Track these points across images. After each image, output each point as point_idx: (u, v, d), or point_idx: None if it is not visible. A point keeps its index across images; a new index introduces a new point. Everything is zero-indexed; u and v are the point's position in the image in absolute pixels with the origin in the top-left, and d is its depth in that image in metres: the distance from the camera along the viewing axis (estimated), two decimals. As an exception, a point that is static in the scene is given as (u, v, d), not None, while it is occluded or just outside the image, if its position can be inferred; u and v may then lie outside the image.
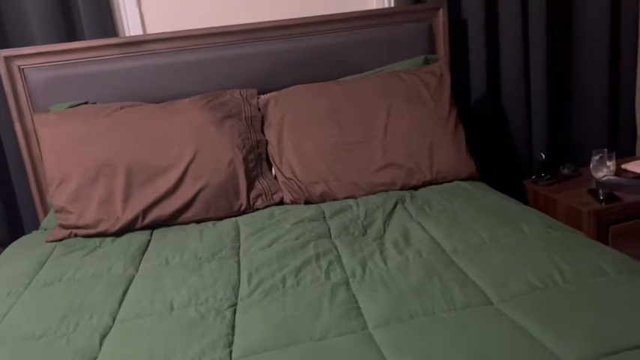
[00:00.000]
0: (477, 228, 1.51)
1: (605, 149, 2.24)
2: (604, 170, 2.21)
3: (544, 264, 1.28)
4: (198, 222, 1.82)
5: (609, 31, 2.38)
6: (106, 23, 2.12)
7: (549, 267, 1.27)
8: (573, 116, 2.51)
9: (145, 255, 1.61)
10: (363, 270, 1.37)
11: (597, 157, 2.23)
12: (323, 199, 1.88)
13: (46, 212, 2.12)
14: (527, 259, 1.32)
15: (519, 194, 2.24)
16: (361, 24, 2.21)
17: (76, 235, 1.78)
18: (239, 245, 1.61)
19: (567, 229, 1.51)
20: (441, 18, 2.25)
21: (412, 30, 2.23)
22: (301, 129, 1.95)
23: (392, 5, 2.31)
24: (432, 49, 2.26)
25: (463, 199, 1.74)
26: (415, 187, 1.89)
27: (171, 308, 1.28)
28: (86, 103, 2.04)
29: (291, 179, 1.90)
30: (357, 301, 1.23)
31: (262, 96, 2.09)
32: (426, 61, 2.18)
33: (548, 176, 2.28)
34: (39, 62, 2.04)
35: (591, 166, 2.25)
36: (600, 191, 2.05)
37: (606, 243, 1.97)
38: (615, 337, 1.00)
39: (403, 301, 1.20)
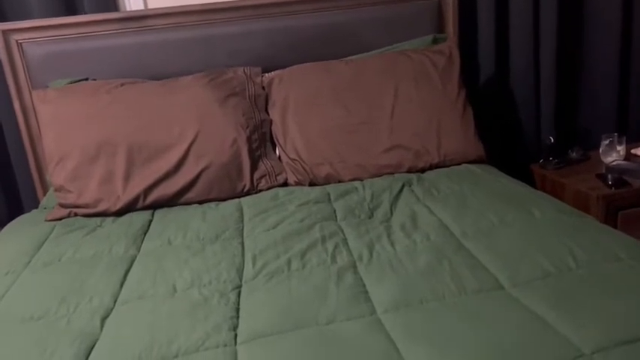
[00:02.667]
0: (486, 211, 1.48)
1: (615, 133, 2.21)
2: (613, 155, 2.17)
3: (556, 249, 1.25)
4: (200, 203, 1.78)
5: (621, 12, 2.32)
6: (107, -3, 2.07)
7: (562, 252, 1.24)
8: (583, 100, 2.46)
9: (147, 235, 1.57)
10: (371, 253, 1.34)
11: (607, 142, 2.19)
12: (328, 180, 1.84)
13: (45, 191, 2.08)
14: (539, 244, 1.28)
15: (527, 178, 2.20)
16: (368, 1, 2.15)
17: (75, 215, 1.75)
18: (243, 227, 1.57)
19: (579, 213, 1.48)
20: (450, -4, 2.19)
21: (420, 8, 2.17)
22: (306, 109, 1.91)
23: (400, -18, 2.25)
24: (440, 28, 2.20)
25: (471, 182, 1.71)
26: (422, 170, 1.85)
27: (174, 290, 1.25)
28: (86, 79, 1.99)
29: (296, 160, 1.86)
30: (364, 285, 1.21)
31: (267, 74, 2.04)
32: (435, 41, 2.12)
33: (556, 160, 2.24)
34: (38, 37, 1.98)
35: (600, 150, 2.21)
36: (609, 176, 2.02)
37: (615, 228, 1.94)
38: (633, 324, 0.97)
39: (412, 286, 1.17)
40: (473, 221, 1.44)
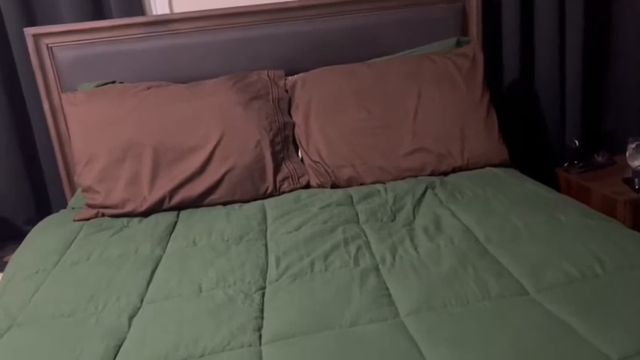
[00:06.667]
0: (510, 216, 1.47)
1: (642, 137, 2.17)
2: (641, 159, 2.14)
3: (582, 254, 1.24)
4: (224, 204, 1.80)
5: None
6: (133, 2, 2.11)
7: (588, 257, 1.23)
8: (609, 102, 2.43)
9: (172, 236, 1.60)
10: (393, 256, 1.34)
11: (634, 145, 2.15)
12: (350, 183, 1.85)
13: (73, 191, 2.13)
14: (564, 249, 1.28)
15: (551, 182, 2.18)
16: (392, 4, 2.15)
17: (103, 215, 1.78)
18: (266, 228, 1.59)
19: (605, 218, 1.46)
20: (474, -1, 2.18)
21: (444, 11, 2.17)
22: (328, 112, 1.92)
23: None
24: (464, 30, 2.20)
25: (495, 186, 1.70)
26: (445, 173, 1.85)
27: (200, 290, 1.27)
28: (113, 82, 2.03)
29: (318, 162, 1.87)
30: (387, 288, 1.21)
31: (290, 77, 2.06)
32: (459, 44, 2.11)
33: (581, 164, 2.22)
34: (67, 40, 2.03)
35: (627, 154, 2.17)
36: (636, 180, 1.99)
37: (642, 234, 1.91)
38: (660, 332, 0.96)
39: (435, 289, 1.17)
40: (497, 225, 1.44)
